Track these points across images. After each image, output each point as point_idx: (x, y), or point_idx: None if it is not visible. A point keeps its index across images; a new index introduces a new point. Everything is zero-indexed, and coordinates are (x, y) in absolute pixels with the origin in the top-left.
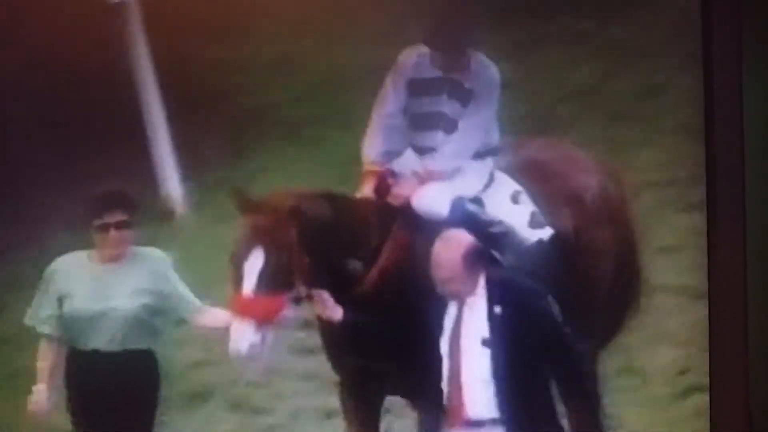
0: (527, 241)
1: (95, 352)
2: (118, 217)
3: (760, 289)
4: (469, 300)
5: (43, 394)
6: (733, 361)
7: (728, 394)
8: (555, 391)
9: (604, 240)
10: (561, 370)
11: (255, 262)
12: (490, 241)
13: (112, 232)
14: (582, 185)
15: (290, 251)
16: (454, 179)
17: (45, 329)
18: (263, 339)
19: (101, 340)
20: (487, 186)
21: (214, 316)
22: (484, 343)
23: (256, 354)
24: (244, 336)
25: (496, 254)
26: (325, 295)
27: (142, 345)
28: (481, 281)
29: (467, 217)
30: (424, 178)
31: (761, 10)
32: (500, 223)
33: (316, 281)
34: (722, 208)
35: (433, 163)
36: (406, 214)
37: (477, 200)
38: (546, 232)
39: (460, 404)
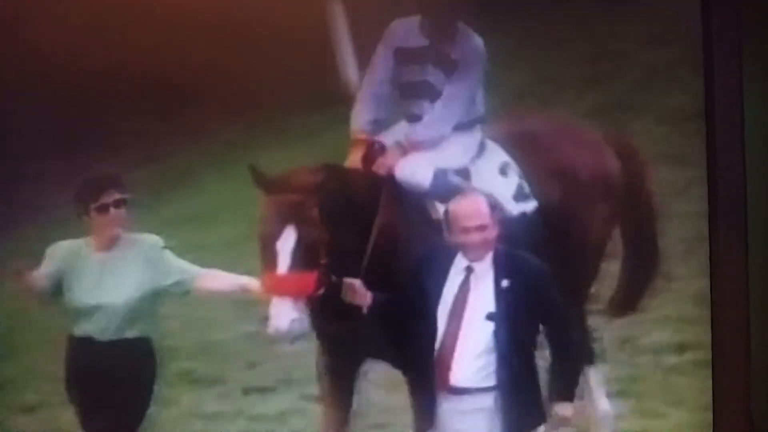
0: (510, 213)
1: (90, 340)
2: (116, 195)
3: (762, 290)
4: (478, 270)
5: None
6: (734, 361)
7: (730, 394)
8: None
9: (597, 215)
10: (556, 345)
11: (287, 241)
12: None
13: (112, 211)
14: (574, 159)
15: (318, 227)
16: (437, 150)
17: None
18: (301, 314)
19: (96, 329)
20: (477, 157)
21: (217, 278)
22: (489, 317)
23: (297, 329)
24: (284, 313)
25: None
26: (357, 284)
27: (138, 333)
28: (490, 253)
29: (450, 188)
30: (407, 149)
31: (760, 10)
32: (499, 203)
33: (338, 258)
34: (723, 210)
35: (416, 133)
36: (390, 187)
37: (463, 171)
38: (530, 205)
39: (447, 370)
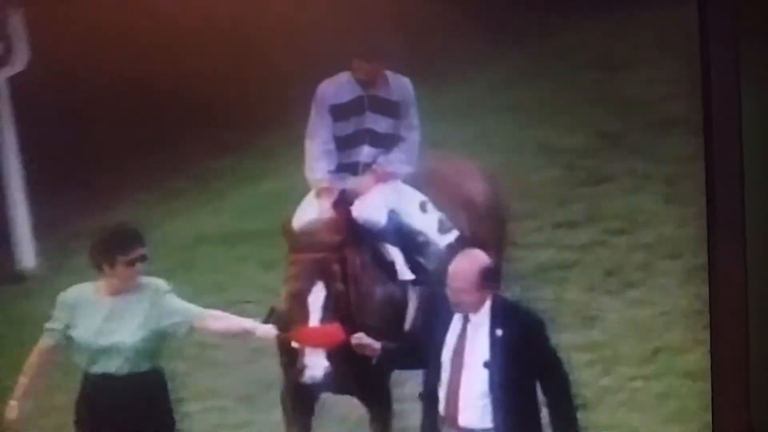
0: (438, 246)
1: (105, 375)
2: (141, 251)
3: (761, 295)
4: (474, 319)
5: (16, 410)
6: (734, 363)
7: (729, 396)
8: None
9: (491, 235)
10: (551, 388)
11: (318, 296)
12: (416, 250)
13: (137, 266)
14: (473, 191)
15: (344, 282)
16: (387, 191)
17: (45, 341)
18: (332, 363)
19: (111, 366)
20: (399, 197)
21: (220, 319)
22: (485, 365)
23: (329, 377)
24: (318, 363)
25: (422, 260)
26: (365, 339)
27: (148, 367)
28: (487, 303)
29: (399, 227)
30: (380, 176)
31: (757, 16)
32: (422, 233)
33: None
34: (722, 214)
35: (389, 162)
36: (352, 230)
37: (393, 211)
38: (452, 235)
39: (455, 412)
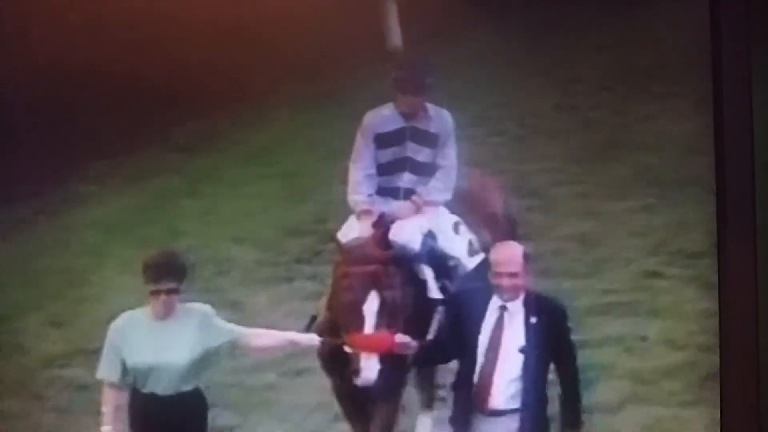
0: (467, 268)
1: (153, 395)
2: (169, 285)
3: None
4: (511, 308)
5: None
6: (743, 365)
7: (739, 399)
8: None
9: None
10: (567, 371)
11: (372, 304)
12: (445, 273)
13: (163, 297)
14: (493, 206)
15: (395, 291)
16: (424, 218)
17: (111, 379)
18: (384, 367)
19: (158, 386)
20: (435, 219)
21: (263, 336)
22: (521, 350)
23: (381, 380)
24: (372, 367)
25: (448, 283)
26: (405, 338)
27: (191, 386)
28: (522, 293)
29: (432, 251)
30: (420, 205)
31: None
32: (453, 257)
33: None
34: (732, 219)
35: (429, 193)
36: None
37: (431, 234)
38: (479, 258)
39: (487, 396)
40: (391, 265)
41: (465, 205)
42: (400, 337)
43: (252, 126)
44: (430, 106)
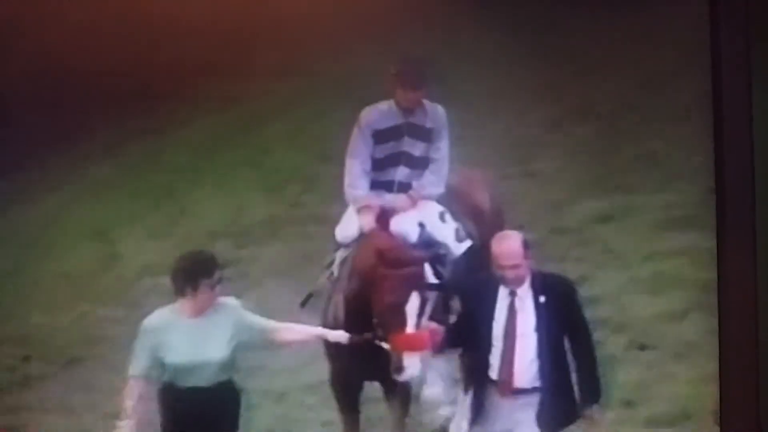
0: (455, 254)
1: (190, 388)
2: (220, 274)
3: None
4: (520, 292)
5: (128, 430)
6: (743, 365)
7: (738, 399)
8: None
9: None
10: (581, 347)
11: (413, 305)
12: (438, 260)
13: (217, 289)
14: (480, 200)
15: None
16: (419, 210)
17: (142, 376)
18: (425, 364)
19: (196, 381)
20: (422, 209)
21: (292, 330)
22: (536, 329)
23: (423, 375)
24: (415, 363)
25: (440, 269)
26: (433, 325)
27: (226, 378)
28: (528, 277)
29: (427, 241)
30: (416, 199)
31: None
32: (443, 245)
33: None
34: (732, 220)
35: (423, 187)
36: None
37: (421, 224)
38: (467, 244)
39: (511, 378)
40: (426, 265)
41: (452, 201)
42: (434, 328)
43: None
44: (426, 101)
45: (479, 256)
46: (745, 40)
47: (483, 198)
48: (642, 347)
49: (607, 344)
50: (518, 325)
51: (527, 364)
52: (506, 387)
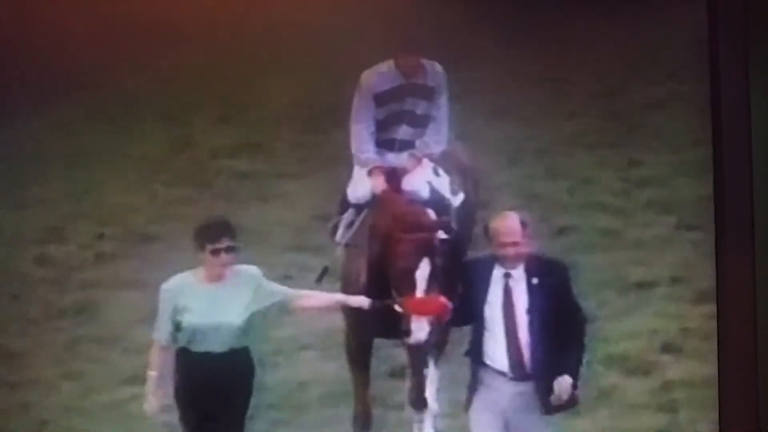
0: (452, 205)
1: (206, 354)
2: (228, 242)
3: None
4: (515, 274)
5: (155, 400)
6: (741, 363)
7: (738, 399)
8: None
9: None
10: (570, 328)
11: (424, 270)
12: (444, 211)
13: (223, 255)
14: (464, 161)
15: (443, 258)
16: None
17: (164, 342)
18: (433, 329)
19: (212, 346)
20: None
21: (312, 297)
22: (527, 312)
23: (430, 339)
24: (423, 328)
25: (448, 218)
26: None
27: (243, 344)
28: (523, 260)
29: (436, 195)
30: (420, 158)
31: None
32: (448, 198)
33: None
34: (730, 221)
35: (427, 146)
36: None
37: (428, 181)
38: (461, 197)
39: (522, 360)
40: (441, 231)
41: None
42: (445, 301)
43: None
44: (425, 61)
45: (473, 212)
46: (744, 41)
47: (465, 160)
48: None
49: None
50: (516, 307)
51: (524, 346)
52: (519, 370)
